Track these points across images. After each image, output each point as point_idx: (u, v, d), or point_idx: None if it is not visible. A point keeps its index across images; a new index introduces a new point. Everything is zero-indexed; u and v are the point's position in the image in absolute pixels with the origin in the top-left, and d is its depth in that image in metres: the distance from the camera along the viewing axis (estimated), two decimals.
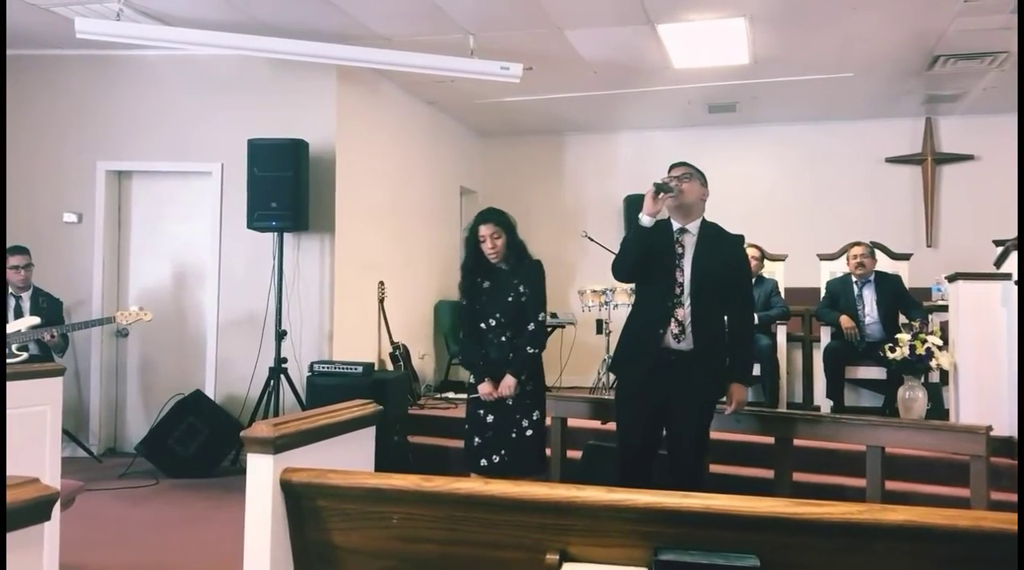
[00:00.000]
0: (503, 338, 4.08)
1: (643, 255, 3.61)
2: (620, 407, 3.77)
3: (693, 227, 3.66)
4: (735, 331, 3.71)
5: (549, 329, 7.47)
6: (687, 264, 3.60)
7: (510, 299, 4.06)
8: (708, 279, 3.58)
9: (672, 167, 3.75)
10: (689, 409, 3.57)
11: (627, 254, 3.66)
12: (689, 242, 3.64)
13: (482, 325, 4.12)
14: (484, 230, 4.07)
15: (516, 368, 4.01)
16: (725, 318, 3.70)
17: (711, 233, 3.69)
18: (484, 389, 4.05)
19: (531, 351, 4.04)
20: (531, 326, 4.05)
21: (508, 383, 3.99)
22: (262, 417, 5.74)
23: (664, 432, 3.65)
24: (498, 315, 4.07)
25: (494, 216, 4.13)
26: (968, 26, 5.73)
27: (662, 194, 3.52)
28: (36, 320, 5.58)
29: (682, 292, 3.58)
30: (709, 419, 3.68)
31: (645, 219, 3.53)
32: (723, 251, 3.66)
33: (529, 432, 4.04)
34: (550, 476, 4.60)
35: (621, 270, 3.76)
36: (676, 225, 3.67)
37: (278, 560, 1.78)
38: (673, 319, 3.56)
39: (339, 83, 6.37)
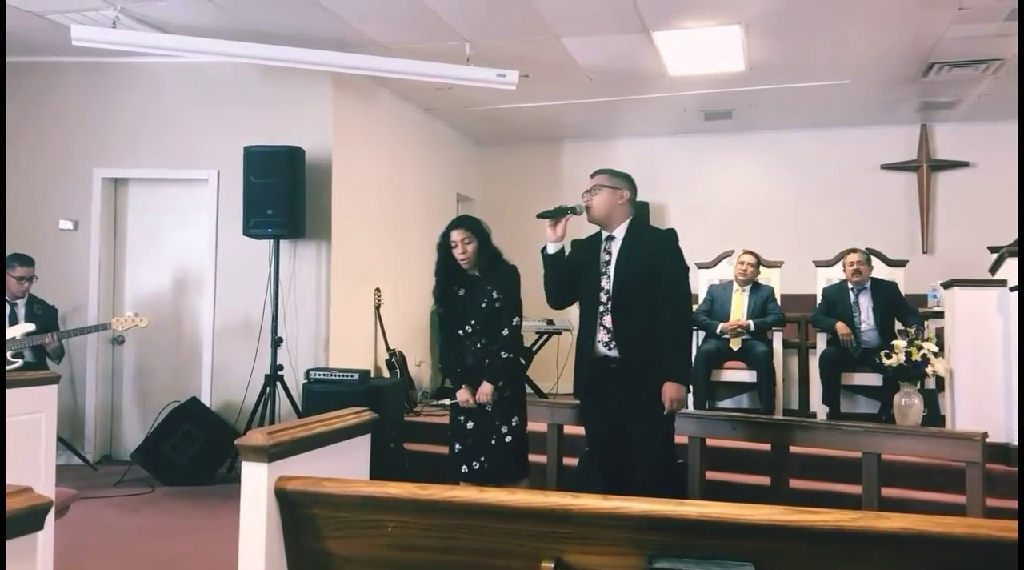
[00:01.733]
0: (479, 345, 4.10)
1: (565, 277, 3.66)
2: (582, 421, 3.83)
3: (619, 232, 3.66)
4: (668, 327, 3.58)
5: (545, 336, 7.51)
6: (612, 270, 3.61)
7: (484, 305, 4.08)
8: (631, 281, 3.56)
9: (591, 175, 3.76)
10: (639, 415, 3.53)
11: (546, 283, 3.73)
12: (615, 249, 3.64)
13: (459, 332, 4.15)
14: (455, 236, 4.11)
15: (492, 375, 4.03)
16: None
17: (638, 235, 3.66)
18: (462, 396, 4.09)
19: (505, 356, 4.04)
20: (505, 332, 4.06)
21: (484, 390, 4.01)
22: (258, 425, 5.73)
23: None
24: (473, 322, 4.10)
25: (465, 222, 4.18)
26: (962, 33, 5.75)
27: (559, 219, 3.58)
28: (31, 327, 5.56)
29: (608, 299, 3.58)
30: (663, 417, 3.55)
31: (550, 246, 3.61)
32: (647, 249, 3.61)
33: (508, 439, 4.05)
34: (546, 483, 4.60)
35: (549, 297, 3.80)
36: (604, 234, 3.69)
37: (273, 568, 1.78)
38: (601, 328, 3.58)
39: (335, 90, 6.38)
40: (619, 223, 3.67)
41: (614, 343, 3.56)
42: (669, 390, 3.53)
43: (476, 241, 4.10)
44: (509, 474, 4.01)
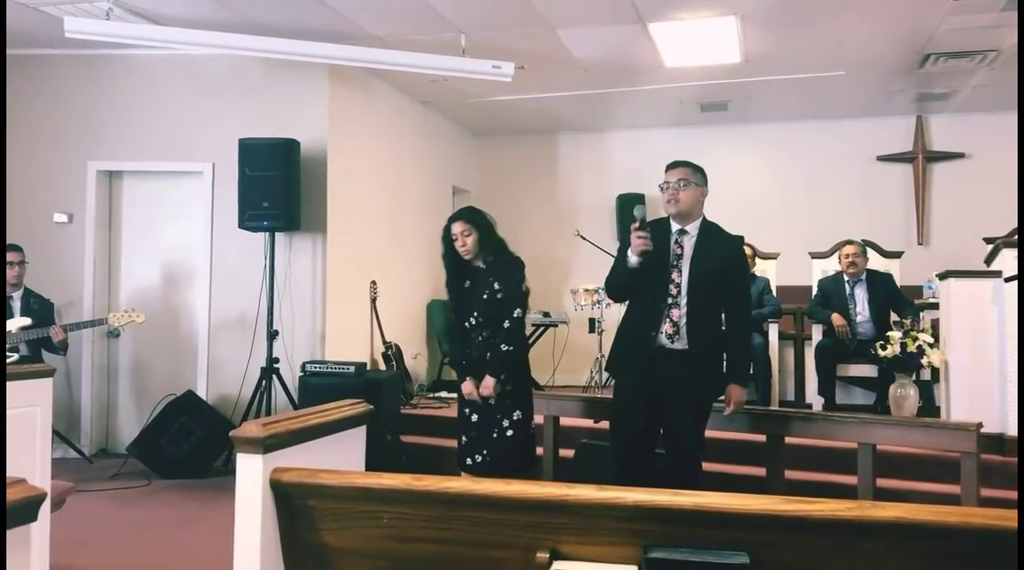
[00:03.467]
0: (481, 337, 4.10)
1: (636, 279, 3.62)
2: (616, 407, 3.78)
3: (692, 228, 3.67)
4: (732, 331, 3.72)
5: (541, 328, 7.51)
6: (685, 265, 3.61)
7: (485, 297, 4.07)
8: (706, 280, 3.59)
9: (668, 168, 3.74)
10: (684, 408, 3.57)
11: (618, 285, 3.71)
12: (688, 244, 3.65)
13: (466, 324, 4.15)
14: (455, 228, 4.11)
15: (494, 368, 4.02)
16: (722, 317, 3.71)
17: (711, 234, 3.69)
18: (466, 388, 4.08)
19: (505, 349, 4.02)
20: (506, 324, 4.05)
21: (487, 384, 4.01)
22: (254, 417, 5.72)
23: (661, 431, 3.65)
24: (476, 314, 4.10)
25: (465, 214, 4.17)
26: (958, 25, 5.74)
27: (643, 239, 3.50)
28: (27, 321, 5.56)
29: (679, 292, 3.58)
30: (705, 418, 3.67)
31: (633, 260, 3.55)
32: (722, 252, 3.67)
33: (510, 432, 4.04)
34: (543, 475, 4.61)
35: (615, 295, 3.82)
36: (676, 226, 3.67)
37: (268, 560, 1.78)
38: (668, 320, 3.57)
39: (331, 82, 6.36)
40: (695, 219, 3.68)
41: (678, 336, 3.56)
42: (735, 392, 3.68)
43: (476, 233, 4.08)
44: (511, 468, 4.00)
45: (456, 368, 4.26)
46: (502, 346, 4.03)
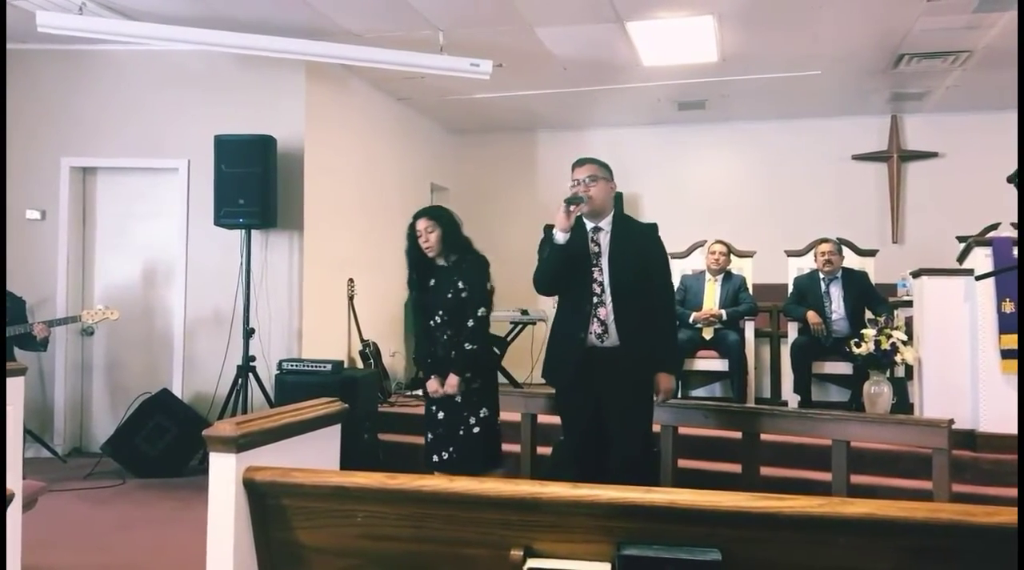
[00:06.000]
0: (445, 336, 4.10)
1: (563, 267, 3.60)
2: (559, 411, 3.81)
3: (606, 224, 3.67)
4: (658, 321, 3.67)
5: (520, 326, 7.51)
6: (605, 262, 3.62)
7: (450, 296, 4.08)
8: (628, 275, 3.59)
9: (575, 166, 3.73)
10: (625, 404, 3.57)
11: (547, 271, 3.64)
12: (604, 240, 3.65)
13: (431, 322, 4.16)
14: (419, 225, 4.14)
15: (458, 366, 4.02)
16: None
17: (625, 227, 3.70)
18: (431, 386, 4.09)
19: (469, 347, 4.02)
20: (470, 323, 4.05)
21: (451, 382, 4.01)
22: (230, 416, 5.68)
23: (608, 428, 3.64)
24: (441, 312, 4.11)
25: (430, 211, 4.21)
26: (931, 25, 5.81)
27: (573, 207, 3.51)
28: None
29: (603, 291, 3.59)
30: (649, 410, 3.67)
31: (560, 236, 3.53)
32: (639, 243, 3.67)
33: (476, 430, 4.04)
34: (520, 472, 4.61)
35: (544, 286, 3.74)
36: (589, 224, 3.67)
37: (242, 559, 1.77)
38: (595, 319, 3.58)
39: (307, 79, 6.33)
40: (607, 215, 3.69)
41: (607, 335, 3.57)
42: (664, 381, 3.67)
43: (439, 230, 4.10)
44: (478, 464, 4.01)
45: (421, 366, 4.27)
46: (465, 345, 4.03)
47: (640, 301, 3.61)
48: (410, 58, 5.84)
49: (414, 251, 4.17)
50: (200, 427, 5.73)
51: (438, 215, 4.16)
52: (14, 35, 6.07)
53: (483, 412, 4.07)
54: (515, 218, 8.51)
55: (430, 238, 4.09)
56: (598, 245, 3.64)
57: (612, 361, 3.56)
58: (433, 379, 4.09)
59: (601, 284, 3.60)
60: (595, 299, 3.58)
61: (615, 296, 3.57)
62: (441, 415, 4.10)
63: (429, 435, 4.16)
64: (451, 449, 4.06)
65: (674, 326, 4.02)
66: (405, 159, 8.11)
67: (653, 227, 3.78)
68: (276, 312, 6.23)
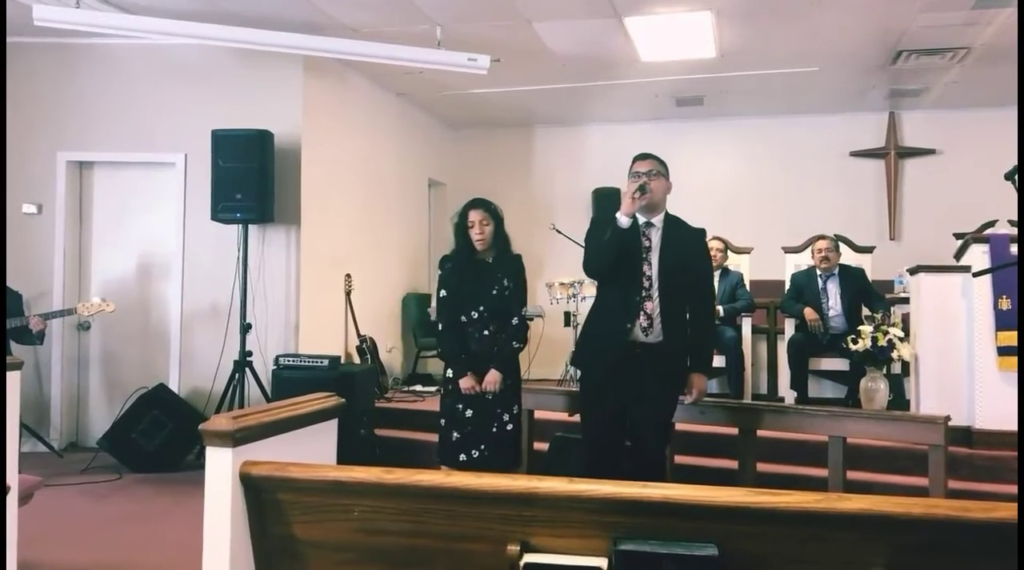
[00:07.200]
0: (486, 332, 4.05)
1: (619, 252, 3.60)
2: (586, 400, 3.78)
3: (658, 221, 3.69)
4: (698, 322, 3.74)
5: None
6: (655, 258, 3.63)
7: (494, 292, 4.04)
8: (675, 272, 3.62)
9: (637, 159, 3.74)
10: (655, 400, 3.60)
11: (605, 254, 3.60)
12: (655, 236, 3.67)
13: (463, 318, 4.08)
14: (474, 216, 4.06)
15: (502, 363, 4.01)
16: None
17: (675, 227, 3.73)
18: (466, 383, 4.00)
19: (516, 346, 4.05)
20: (515, 321, 4.06)
21: (493, 378, 3.98)
22: (227, 411, 5.68)
23: (628, 423, 3.66)
24: (481, 308, 4.04)
25: (484, 203, 4.14)
26: (930, 22, 5.81)
27: (639, 195, 3.51)
28: None
29: (651, 285, 3.61)
30: (673, 409, 3.72)
31: (624, 220, 3.53)
32: (687, 245, 3.72)
33: (510, 426, 4.04)
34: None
35: (597, 269, 3.72)
36: (641, 219, 3.68)
37: (238, 554, 1.77)
38: (642, 312, 3.58)
39: (305, 74, 6.32)
40: (660, 212, 3.70)
41: (652, 329, 3.58)
42: (699, 382, 3.72)
43: (494, 223, 4.08)
44: (508, 461, 4.00)
45: (453, 362, 4.09)
46: (513, 343, 4.04)
47: (684, 300, 3.67)
48: (408, 53, 5.83)
49: (463, 239, 4.09)
50: (196, 422, 5.70)
51: (494, 209, 4.11)
52: (11, 28, 6.04)
53: (515, 409, 4.08)
54: (511, 213, 8.37)
55: (485, 231, 4.04)
56: (649, 240, 3.65)
57: (653, 356, 3.57)
58: (469, 376, 4.00)
59: (649, 278, 3.61)
60: (643, 292, 3.60)
61: (662, 292, 3.60)
62: (469, 413, 4.02)
63: (455, 434, 4.05)
64: (482, 446, 4.00)
65: (714, 329, 4.12)
66: (402, 154, 8.10)
67: (702, 233, 3.84)
68: (273, 307, 6.23)
